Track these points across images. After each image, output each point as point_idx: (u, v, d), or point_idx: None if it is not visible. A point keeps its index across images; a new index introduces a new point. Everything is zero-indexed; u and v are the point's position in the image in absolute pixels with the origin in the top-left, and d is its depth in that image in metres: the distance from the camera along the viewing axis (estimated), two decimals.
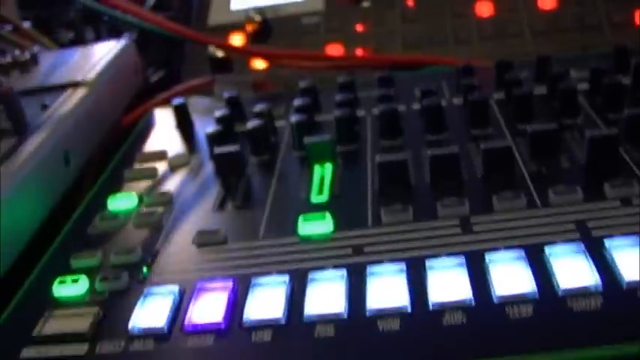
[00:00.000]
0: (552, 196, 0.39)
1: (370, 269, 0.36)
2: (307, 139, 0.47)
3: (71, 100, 0.54)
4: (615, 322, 0.31)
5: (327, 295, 0.35)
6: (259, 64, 0.69)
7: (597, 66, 0.50)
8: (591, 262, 0.34)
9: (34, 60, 0.62)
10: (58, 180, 0.49)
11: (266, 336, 0.34)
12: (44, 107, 0.53)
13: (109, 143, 0.58)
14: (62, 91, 0.55)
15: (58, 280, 0.39)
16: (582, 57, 0.56)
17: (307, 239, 0.40)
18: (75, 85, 0.56)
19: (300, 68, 0.65)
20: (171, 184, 0.48)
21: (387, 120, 0.49)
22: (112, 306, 0.37)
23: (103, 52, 0.63)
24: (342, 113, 0.49)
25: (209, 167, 0.50)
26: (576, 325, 0.31)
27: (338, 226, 0.40)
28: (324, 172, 0.46)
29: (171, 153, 0.53)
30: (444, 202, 0.40)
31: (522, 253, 0.35)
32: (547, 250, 0.35)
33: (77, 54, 0.64)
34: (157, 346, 0.34)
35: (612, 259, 0.34)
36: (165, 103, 0.61)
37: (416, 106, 0.53)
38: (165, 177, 0.50)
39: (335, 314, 0.34)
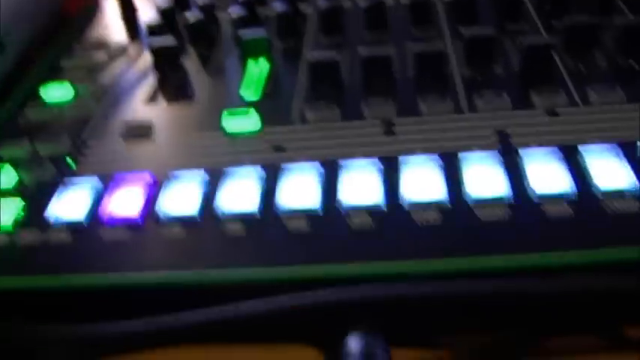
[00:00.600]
0: (479, 103, 0.39)
1: (285, 166, 0.36)
2: (243, 34, 0.46)
3: None
4: (522, 233, 0.31)
5: (240, 192, 0.35)
6: None
7: None
8: (504, 172, 0.34)
9: None
10: None
11: (179, 232, 0.34)
12: None
13: (51, 29, 0.56)
14: None
15: None
16: None
17: (232, 135, 0.40)
18: None
19: None
20: (108, 75, 0.48)
21: (328, 16, 0.47)
22: (36, 196, 0.38)
23: None
24: (283, 8, 0.48)
25: (147, 58, 0.48)
26: (485, 233, 0.31)
27: (264, 125, 0.40)
28: (258, 68, 0.45)
29: (111, 43, 0.52)
30: (370, 102, 0.40)
31: (437, 158, 0.35)
32: (460, 156, 0.35)
33: None
34: (74, 237, 0.35)
35: (524, 171, 0.34)
36: None
37: (362, 2, 0.51)
38: (102, 67, 0.49)
39: (248, 213, 0.34)
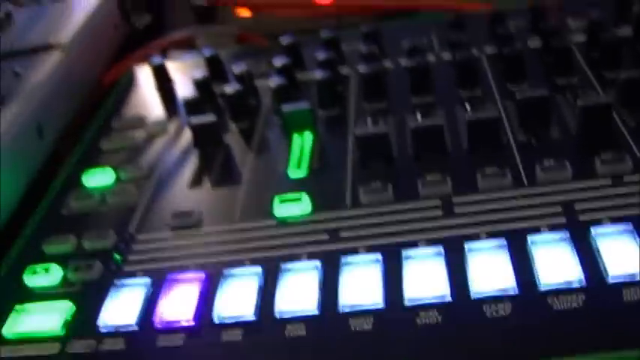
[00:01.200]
0: (540, 174, 0.37)
1: (345, 259, 0.35)
2: (285, 108, 0.45)
3: (44, 66, 0.51)
4: (599, 322, 0.29)
5: (299, 290, 0.34)
6: (244, 12, 0.66)
7: (597, 14, 0.47)
8: (575, 253, 0.32)
9: (9, 19, 0.59)
10: (31, 155, 0.47)
11: (236, 335, 0.33)
12: (16, 75, 0.50)
13: (88, 105, 0.55)
14: (35, 56, 0.53)
15: (30, 269, 0.38)
16: (582, 3, 0.52)
17: (283, 222, 0.38)
18: (49, 47, 0.53)
19: (286, 16, 0.62)
20: (149, 156, 0.47)
21: (371, 82, 0.46)
22: (84, 298, 0.37)
23: (80, 5, 0.60)
24: (323, 76, 0.46)
25: (188, 135, 0.47)
26: (559, 325, 0.30)
27: (315, 208, 0.39)
28: (303, 143, 0.44)
29: (150, 119, 0.51)
30: (426, 179, 0.38)
31: (503, 241, 0.34)
32: (530, 239, 0.33)
33: (53, 9, 0.61)
34: (127, 345, 0.34)
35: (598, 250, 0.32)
36: (146, 58, 0.58)
37: (404, 61, 0.50)
38: (142, 147, 0.48)
39: (307, 312, 0.33)
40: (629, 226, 0.33)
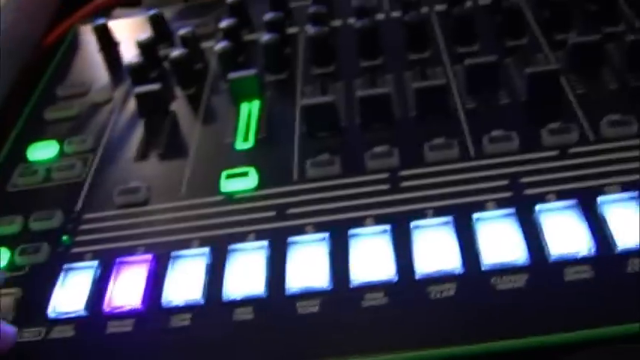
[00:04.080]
0: (487, 145, 0.37)
1: (291, 239, 0.35)
2: (231, 76, 0.44)
3: None
4: (542, 302, 0.30)
5: (247, 272, 0.34)
6: None
7: None
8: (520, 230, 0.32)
9: None
10: None
11: (185, 319, 0.33)
12: None
13: (30, 71, 0.53)
14: None
15: None
16: None
17: (231, 197, 0.38)
18: None
19: None
20: (94, 127, 0.45)
21: (319, 45, 0.45)
22: (32, 283, 0.36)
23: None
24: (270, 39, 0.45)
25: (133, 102, 0.46)
26: (499, 305, 0.30)
27: (263, 182, 0.38)
28: (250, 112, 0.43)
29: (95, 85, 0.49)
30: (374, 152, 0.38)
31: (449, 219, 0.34)
32: (475, 216, 0.33)
33: None
34: (77, 332, 0.33)
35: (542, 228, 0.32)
36: (89, 16, 0.56)
37: (353, 22, 0.49)
38: (87, 117, 0.46)
39: (254, 295, 0.33)
40: (574, 202, 0.33)
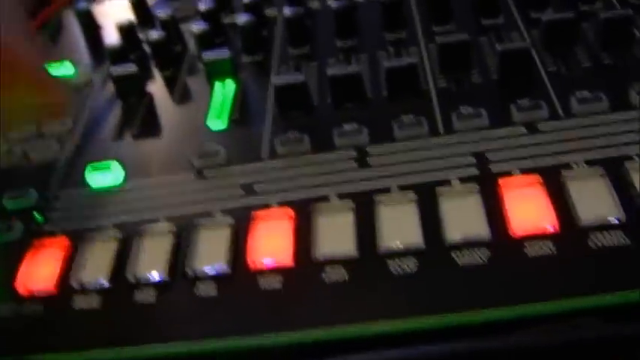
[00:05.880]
0: (456, 122, 0.37)
1: (256, 214, 0.35)
2: (205, 56, 0.44)
3: None
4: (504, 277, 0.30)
5: (211, 248, 0.34)
6: None
7: None
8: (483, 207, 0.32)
9: None
10: None
11: (150, 295, 0.33)
12: None
13: None
14: None
15: None
16: None
17: (200, 175, 0.38)
18: None
19: None
20: (73, 109, 0.46)
21: (295, 26, 0.45)
22: (5, 260, 0.36)
23: None
24: (247, 21, 0.45)
25: (112, 85, 0.46)
26: (463, 280, 0.30)
27: (232, 160, 0.38)
28: (225, 92, 0.43)
29: (77, 68, 0.49)
30: (343, 129, 0.38)
31: (413, 195, 0.34)
32: (438, 191, 0.33)
33: None
34: (46, 309, 0.34)
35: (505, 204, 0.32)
36: (73, 1, 0.56)
37: (330, 1, 0.49)
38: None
39: (218, 271, 0.33)
40: (538, 179, 0.33)
